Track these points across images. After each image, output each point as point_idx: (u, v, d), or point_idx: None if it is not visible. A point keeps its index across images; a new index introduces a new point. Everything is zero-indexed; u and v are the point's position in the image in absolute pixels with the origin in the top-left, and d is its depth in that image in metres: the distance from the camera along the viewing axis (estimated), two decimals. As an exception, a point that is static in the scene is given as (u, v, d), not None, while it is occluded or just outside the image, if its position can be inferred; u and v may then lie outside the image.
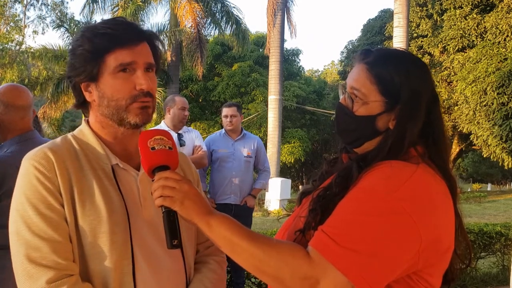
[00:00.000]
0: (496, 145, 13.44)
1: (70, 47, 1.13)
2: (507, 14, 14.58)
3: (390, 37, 15.28)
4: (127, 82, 1.08)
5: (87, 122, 1.18)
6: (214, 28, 17.15)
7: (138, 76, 1.09)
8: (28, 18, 28.39)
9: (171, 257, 1.14)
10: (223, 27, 16.90)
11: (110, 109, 1.09)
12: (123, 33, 1.08)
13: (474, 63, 14.44)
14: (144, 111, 1.10)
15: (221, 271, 1.26)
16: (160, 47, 1.18)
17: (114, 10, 16.15)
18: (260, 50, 22.74)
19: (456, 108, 15.61)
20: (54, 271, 1.00)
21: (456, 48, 16.30)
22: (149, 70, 1.12)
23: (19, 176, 1.08)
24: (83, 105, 1.14)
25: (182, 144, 3.94)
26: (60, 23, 18.54)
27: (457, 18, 16.36)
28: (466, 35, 15.99)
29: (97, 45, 1.07)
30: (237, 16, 16.80)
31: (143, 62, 1.10)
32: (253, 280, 4.15)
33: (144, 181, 1.14)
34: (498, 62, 13.55)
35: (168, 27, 17.13)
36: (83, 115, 1.30)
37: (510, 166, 14.22)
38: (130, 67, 1.08)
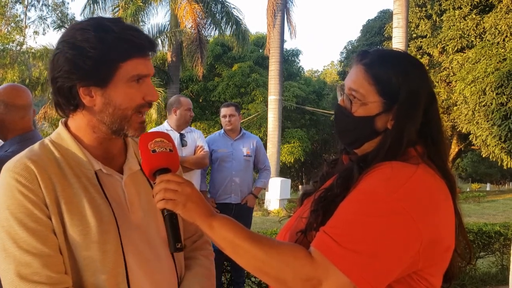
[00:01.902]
0: (495, 145, 13.45)
1: (71, 43, 1.02)
2: (506, 14, 14.59)
3: (390, 38, 15.29)
4: (138, 92, 1.06)
5: (65, 124, 1.12)
6: (214, 29, 17.13)
7: (149, 87, 1.08)
8: (29, 18, 28.39)
9: (161, 258, 1.13)
10: (223, 28, 16.88)
11: (114, 117, 1.06)
12: (141, 41, 1.05)
13: (473, 64, 14.45)
14: (142, 126, 1.10)
15: (211, 265, 1.26)
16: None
17: (114, 10, 16.17)
18: (260, 50, 22.72)
19: (455, 108, 15.62)
20: (47, 286, 0.97)
21: (455, 48, 16.31)
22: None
23: (1, 190, 1.01)
24: (75, 108, 1.07)
25: (184, 144, 3.96)
26: (61, 24, 18.50)
27: (456, 19, 16.37)
28: (465, 35, 16.00)
29: (115, 51, 1.02)
30: (237, 16, 16.80)
31: (152, 75, 1.10)
32: (253, 279, 4.16)
33: (129, 185, 1.12)
34: (497, 63, 13.55)
35: (169, 27, 17.13)
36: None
37: (509, 166, 14.23)
38: (142, 78, 1.07)
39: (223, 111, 4.40)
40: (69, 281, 1.01)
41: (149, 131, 1.13)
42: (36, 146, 1.09)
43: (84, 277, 1.03)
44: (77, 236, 1.02)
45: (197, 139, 4.10)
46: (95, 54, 1.00)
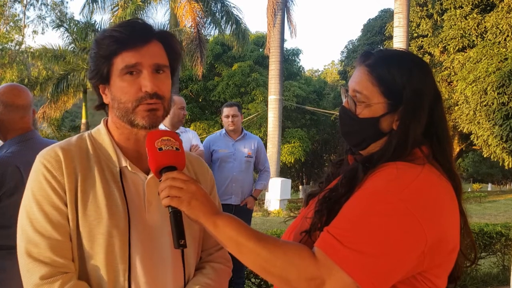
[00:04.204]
0: (497, 145, 13.45)
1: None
2: (508, 14, 14.59)
3: (390, 37, 15.30)
4: (133, 84, 1.07)
5: (105, 122, 1.19)
6: (214, 28, 17.17)
7: (143, 77, 1.07)
8: (27, 18, 28.50)
9: (170, 261, 1.13)
10: (223, 27, 16.91)
11: (120, 111, 1.10)
12: (129, 35, 1.07)
13: (475, 63, 14.46)
14: (151, 114, 1.08)
15: (215, 276, 1.21)
16: (176, 45, 1.15)
17: (114, 10, 16.18)
18: (260, 50, 22.76)
19: (456, 108, 15.63)
20: (49, 267, 1.01)
21: (457, 48, 16.33)
22: (159, 71, 1.09)
23: (31, 172, 1.10)
24: (102, 106, 1.16)
25: None
26: (59, 23, 18.53)
27: (457, 18, 16.39)
28: (467, 35, 16.01)
29: (105, 47, 1.08)
30: (237, 16, 16.83)
31: (151, 64, 1.07)
32: (253, 280, 4.15)
33: (151, 185, 1.13)
34: (499, 62, 13.56)
35: (168, 27, 17.12)
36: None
37: (510, 166, 14.23)
38: (136, 69, 1.07)
39: (226, 111, 4.35)
40: (71, 267, 1.05)
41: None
42: (74, 137, 1.17)
43: (89, 267, 1.06)
44: (87, 226, 1.06)
45: (192, 139, 4.08)
46: (92, 55, 1.10)
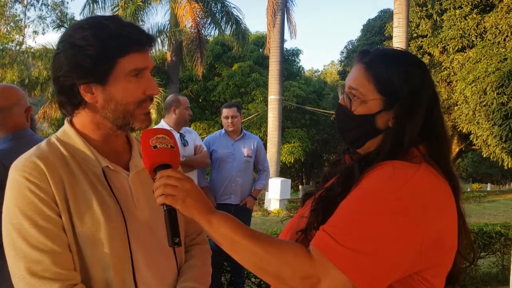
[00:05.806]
0: (496, 145, 13.44)
1: (70, 42, 1.04)
2: (507, 14, 14.59)
3: (390, 37, 15.29)
4: (138, 87, 1.07)
5: (71, 122, 1.13)
6: (214, 28, 17.13)
7: (149, 81, 1.09)
8: (28, 18, 28.38)
9: (165, 255, 1.16)
10: (223, 27, 16.88)
11: (116, 113, 1.07)
12: (138, 37, 1.07)
13: (474, 63, 14.45)
14: (147, 117, 1.11)
15: (202, 257, 1.27)
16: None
17: (114, 10, 16.16)
18: (260, 50, 22.72)
19: (456, 108, 15.61)
20: (58, 282, 0.99)
21: (456, 48, 16.32)
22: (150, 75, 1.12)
23: (8, 189, 1.03)
24: (77, 106, 1.09)
25: (185, 144, 3.94)
26: (60, 23, 18.52)
27: (456, 18, 16.38)
28: (466, 35, 16.01)
29: (112, 47, 1.03)
30: (237, 16, 16.80)
31: (151, 67, 1.10)
32: (253, 280, 4.15)
33: (136, 181, 1.14)
34: (498, 62, 13.55)
35: (168, 27, 17.12)
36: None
37: (509, 166, 14.22)
38: (141, 72, 1.07)
39: (225, 111, 4.34)
40: (77, 278, 1.03)
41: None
42: (43, 144, 1.10)
43: (92, 273, 1.05)
44: (85, 233, 1.04)
45: (195, 139, 4.09)
46: (93, 52, 1.02)
